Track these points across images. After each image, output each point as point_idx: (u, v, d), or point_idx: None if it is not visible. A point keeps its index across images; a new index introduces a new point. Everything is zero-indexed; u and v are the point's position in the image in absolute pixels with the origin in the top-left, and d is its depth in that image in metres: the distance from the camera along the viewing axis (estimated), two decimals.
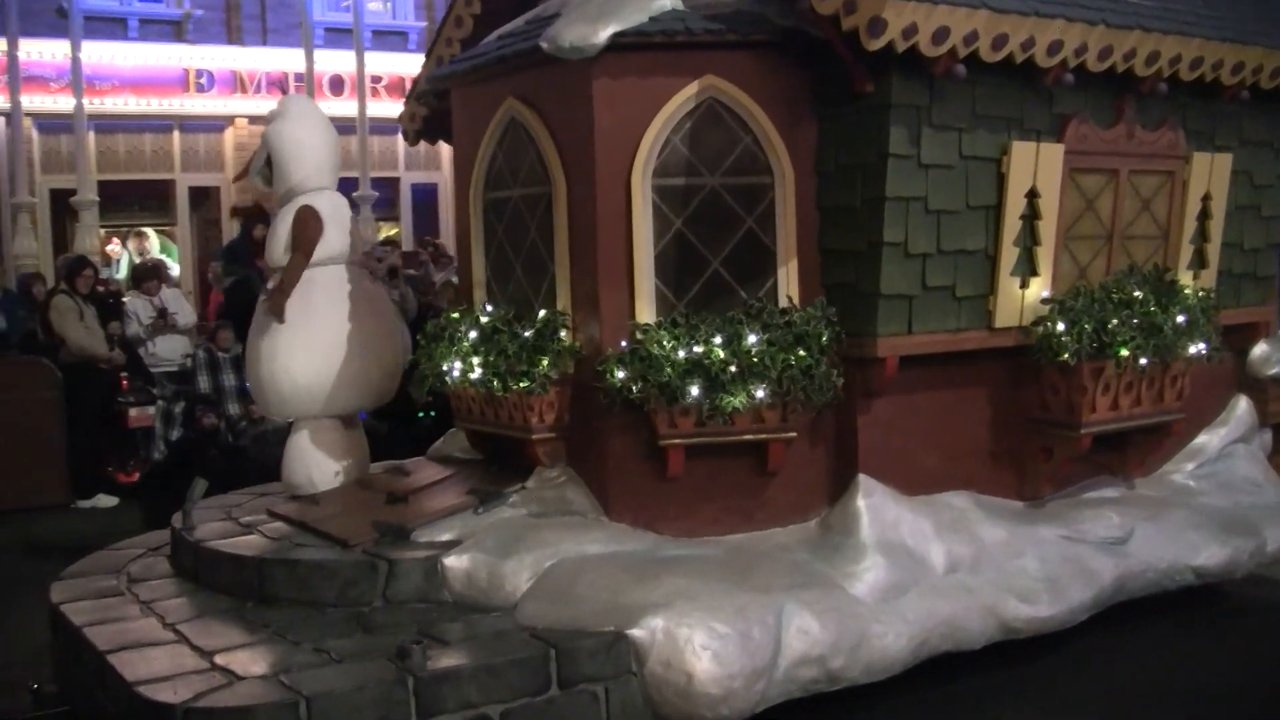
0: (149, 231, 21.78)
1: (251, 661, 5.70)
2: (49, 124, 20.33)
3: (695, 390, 6.55)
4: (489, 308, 7.41)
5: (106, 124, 21.15)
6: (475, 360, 7.17)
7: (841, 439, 7.09)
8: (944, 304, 7.01)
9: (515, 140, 7.46)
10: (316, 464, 8.01)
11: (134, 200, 22.08)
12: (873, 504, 6.94)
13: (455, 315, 7.51)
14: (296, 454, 8.07)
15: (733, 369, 6.56)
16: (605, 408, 6.76)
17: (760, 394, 6.59)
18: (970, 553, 7.02)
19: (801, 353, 6.63)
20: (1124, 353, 7.14)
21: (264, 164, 8.27)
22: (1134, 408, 7.50)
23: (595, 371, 6.78)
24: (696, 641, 5.93)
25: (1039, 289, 7.28)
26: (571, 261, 7.08)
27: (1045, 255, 7.28)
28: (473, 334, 7.24)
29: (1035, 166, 7.13)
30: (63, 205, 19.01)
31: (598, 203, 6.86)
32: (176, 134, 22.08)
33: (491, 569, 6.50)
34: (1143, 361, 7.28)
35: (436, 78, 8.29)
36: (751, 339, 6.60)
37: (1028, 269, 7.25)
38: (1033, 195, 7.16)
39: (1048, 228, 7.26)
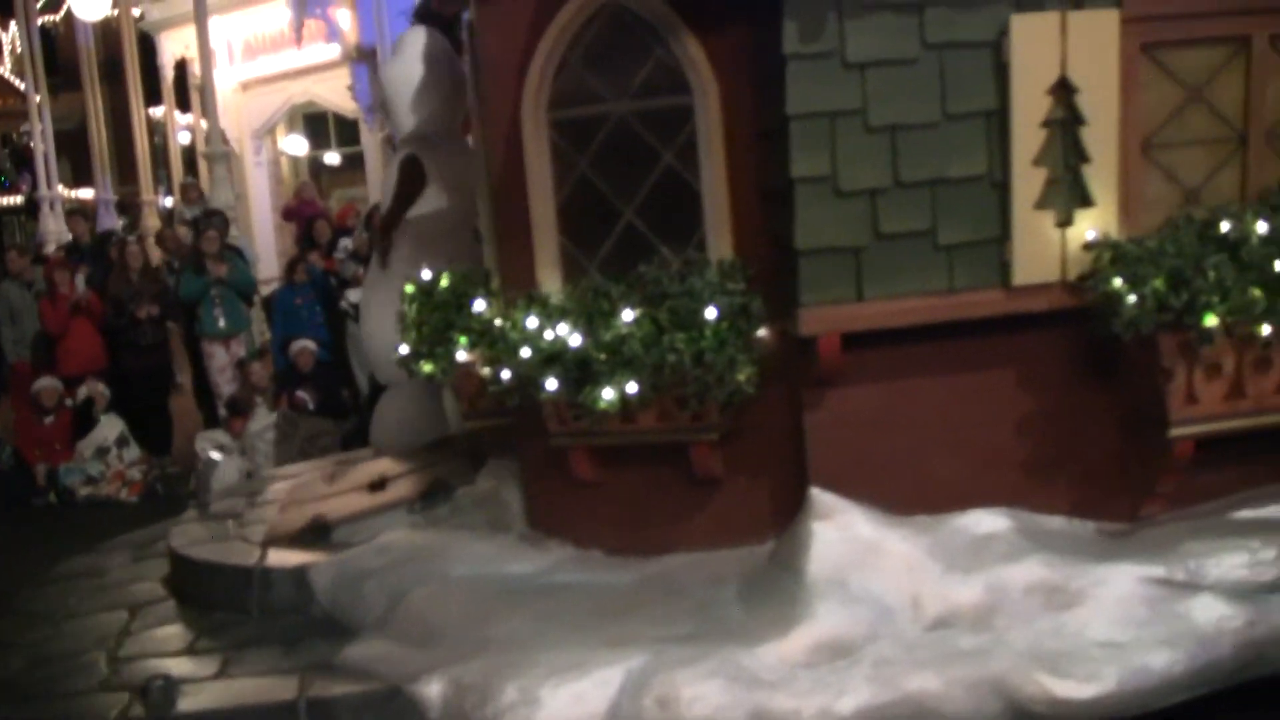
0: None
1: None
2: None
3: (552, 383, 5.14)
4: (425, 274, 6.30)
5: None
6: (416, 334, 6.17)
7: (799, 441, 5.32)
8: (919, 256, 4.96)
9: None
10: (384, 429, 7.49)
11: None
12: (830, 528, 5.17)
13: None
14: (374, 416, 7.64)
15: (601, 357, 5.07)
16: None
17: (633, 388, 5.04)
18: (978, 599, 5.04)
19: (694, 334, 4.99)
20: (1209, 321, 4.69)
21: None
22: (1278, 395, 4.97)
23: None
24: (489, 706, 4.68)
25: (1092, 225, 4.97)
26: (493, 217, 5.87)
27: (1102, 176, 4.93)
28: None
29: (1063, 48, 4.81)
30: None
31: (487, 145, 5.59)
32: None
33: (352, 588, 5.61)
34: (1265, 330, 4.78)
35: None
36: (625, 317, 5.05)
37: (1073, 198, 4.96)
38: (1065, 90, 4.85)
39: (1101, 135, 4.89)
